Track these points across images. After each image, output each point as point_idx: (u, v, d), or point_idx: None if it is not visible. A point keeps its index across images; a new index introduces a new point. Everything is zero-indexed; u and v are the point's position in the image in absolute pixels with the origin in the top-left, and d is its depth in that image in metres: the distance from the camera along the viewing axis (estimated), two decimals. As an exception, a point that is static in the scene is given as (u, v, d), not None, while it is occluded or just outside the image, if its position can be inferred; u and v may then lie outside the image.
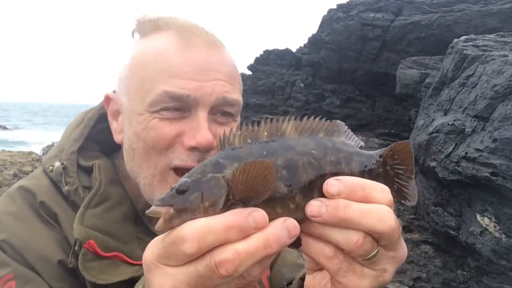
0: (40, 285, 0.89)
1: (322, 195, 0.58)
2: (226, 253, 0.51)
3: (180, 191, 0.54)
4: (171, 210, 0.54)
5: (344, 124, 0.68)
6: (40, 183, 1.02)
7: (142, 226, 1.06)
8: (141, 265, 0.94)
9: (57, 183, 1.01)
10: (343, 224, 0.57)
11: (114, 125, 1.07)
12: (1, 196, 1.04)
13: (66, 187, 0.99)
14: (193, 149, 0.93)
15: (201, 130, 0.91)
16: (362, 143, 0.69)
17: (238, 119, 1.05)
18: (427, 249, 6.23)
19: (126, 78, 1.01)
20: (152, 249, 0.57)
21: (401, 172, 0.67)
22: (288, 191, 0.57)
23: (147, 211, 0.56)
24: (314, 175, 0.59)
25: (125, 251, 0.94)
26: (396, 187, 0.67)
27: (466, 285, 5.35)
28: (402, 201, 0.66)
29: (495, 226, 4.50)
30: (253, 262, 0.53)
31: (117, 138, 1.06)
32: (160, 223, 0.54)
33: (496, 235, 4.45)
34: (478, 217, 4.72)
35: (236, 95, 1.00)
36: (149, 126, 0.94)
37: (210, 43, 0.98)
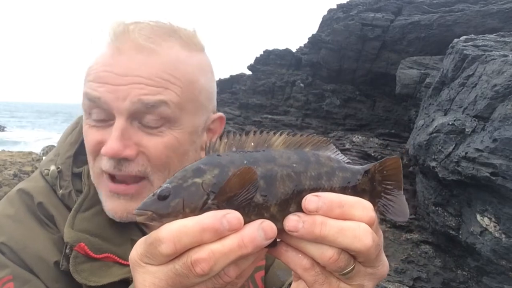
0: (38, 286, 0.90)
1: (299, 208, 0.59)
2: (201, 253, 0.54)
3: (162, 197, 0.56)
4: (153, 215, 0.56)
5: (332, 144, 0.68)
6: (37, 185, 1.04)
7: (136, 228, 1.07)
8: None
9: (53, 186, 1.03)
10: (319, 240, 0.58)
11: None
12: (2, 199, 1.05)
13: (61, 191, 1.02)
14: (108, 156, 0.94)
15: (109, 139, 0.91)
16: (349, 161, 0.69)
17: (182, 123, 0.96)
18: (427, 249, 6.24)
19: None
20: (137, 249, 0.59)
21: (390, 187, 0.67)
22: (263, 201, 0.58)
23: (134, 212, 0.58)
24: (292, 189, 0.60)
25: (117, 253, 0.96)
26: (384, 203, 0.67)
27: (466, 285, 5.36)
28: (392, 217, 0.66)
29: (495, 226, 4.50)
30: (228, 262, 0.54)
31: None
32: (141, 217, 0.58)
33: (496, 235, 4.46)
34: (478, 217, 4.73)
35: (163, 96, 0.91)
36: (84, 132, 0.99)
37: (139, 47, 0.94)
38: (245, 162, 0.58)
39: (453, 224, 5.37)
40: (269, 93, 14.31)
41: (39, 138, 35.43)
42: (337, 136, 10.70)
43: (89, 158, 0.99)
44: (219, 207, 0.56)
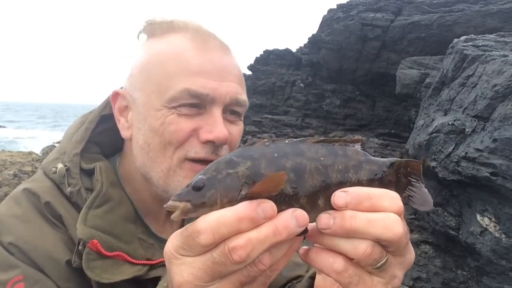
0: (48, 286, 0.89)
1: (328, 200, 0.61)
2: (239, 240, 0.56)
3: (197, 188, 0.58)
4: (188, 205, 0.58)
5: (360, 143, 0.70)
6: (43, 185, 1.03)
7: (143, 227, 1.08)
8: (143, 264, 0.95)
9: (59, 185, 1.02)
10: (351, 234, 0.59)
11: (121, 121, 1.08)
12: (5, 199, 1.04)
13: (69, 189, 1.01)
14: (207, 142, 0.98)
15: (218, 125, 0.98)
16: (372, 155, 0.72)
17: (241, 116, 1.11)
18: (427, 249, 6.24)
19: (141, 75, 1.04)
20: (172, 242, 0.61)
21: (413, 180, 0.70)
22: (294, 193, 0.60)
23: (165, 205, 0.60)
24: (320, 181, 0.62)
25: (127, 251, 0.96)
26: (409, 194, 0.69)
27: (466, 285, 5.36)
28: (416, 207, 0.68)
29: (495, 226, 4.50)
30: (263, 249, 0.56)
31: (124, 134, 1.08)
32: (175, 214, 0.59)
33: (496, 235, 4.46)
34: (478, 217, 4.73)
35: (245, 96, 1.07)
36: (167, 121, 0.98)
37: (223, 47, 1.06)
38: (275, 155, 0.61)
39: (453, 224, 5.37)
40: (269, 93, 14.31)
41: (39, 138, 35.44)
42: (337, 137, 10.70)
43: (169, 149, 0.99)
44: (252, 197, 0.58)
